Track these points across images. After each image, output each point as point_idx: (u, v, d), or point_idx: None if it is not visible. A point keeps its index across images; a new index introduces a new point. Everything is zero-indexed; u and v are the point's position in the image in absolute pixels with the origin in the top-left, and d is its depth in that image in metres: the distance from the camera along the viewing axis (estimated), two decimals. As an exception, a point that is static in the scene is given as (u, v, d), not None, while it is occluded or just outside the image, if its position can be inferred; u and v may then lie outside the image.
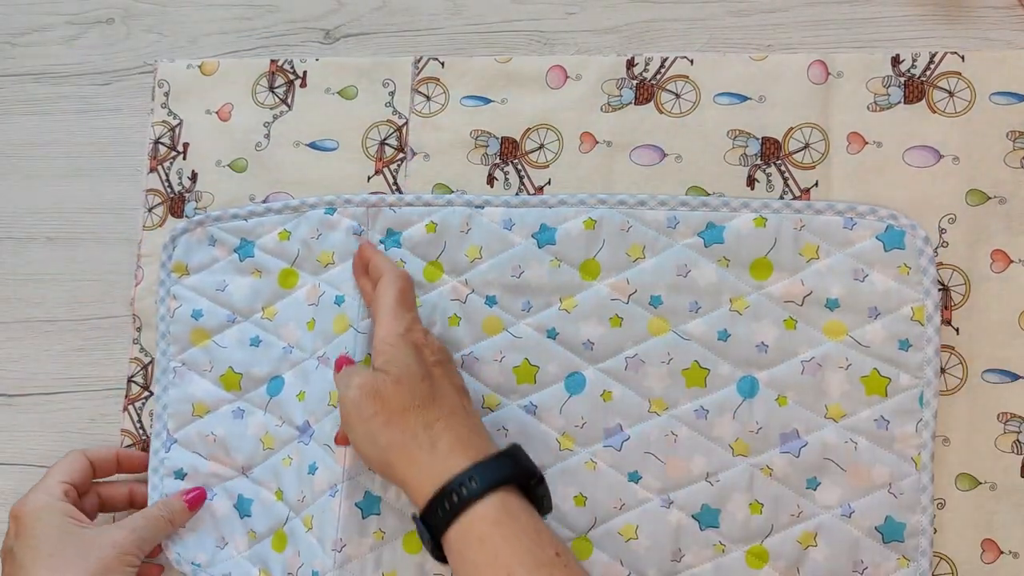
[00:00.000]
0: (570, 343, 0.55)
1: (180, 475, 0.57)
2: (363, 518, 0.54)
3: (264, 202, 0.60)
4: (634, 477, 0.53)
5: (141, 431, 0.60)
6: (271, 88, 0.61)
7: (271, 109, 0.61)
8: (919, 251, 0.52)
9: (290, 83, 0.61)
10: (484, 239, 0.56)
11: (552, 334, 0.55)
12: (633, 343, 0.54)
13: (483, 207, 0.57)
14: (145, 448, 0.59)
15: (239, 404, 0.58)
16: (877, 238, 0.53)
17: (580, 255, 0.55)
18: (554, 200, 0.56)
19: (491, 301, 0.56)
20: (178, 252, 0.60)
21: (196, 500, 0.57)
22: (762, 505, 0.52)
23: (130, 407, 0.60)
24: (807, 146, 0.55)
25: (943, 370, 0.53)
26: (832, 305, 0.53)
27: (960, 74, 0.55)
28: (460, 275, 0.57)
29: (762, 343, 0.53)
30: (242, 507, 0.57)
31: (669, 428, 0.53)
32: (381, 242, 0.58)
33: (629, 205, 0.55)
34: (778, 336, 0.53)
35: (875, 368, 0.52)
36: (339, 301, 0.57)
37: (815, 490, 0.52)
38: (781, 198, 0.55)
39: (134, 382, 0.60)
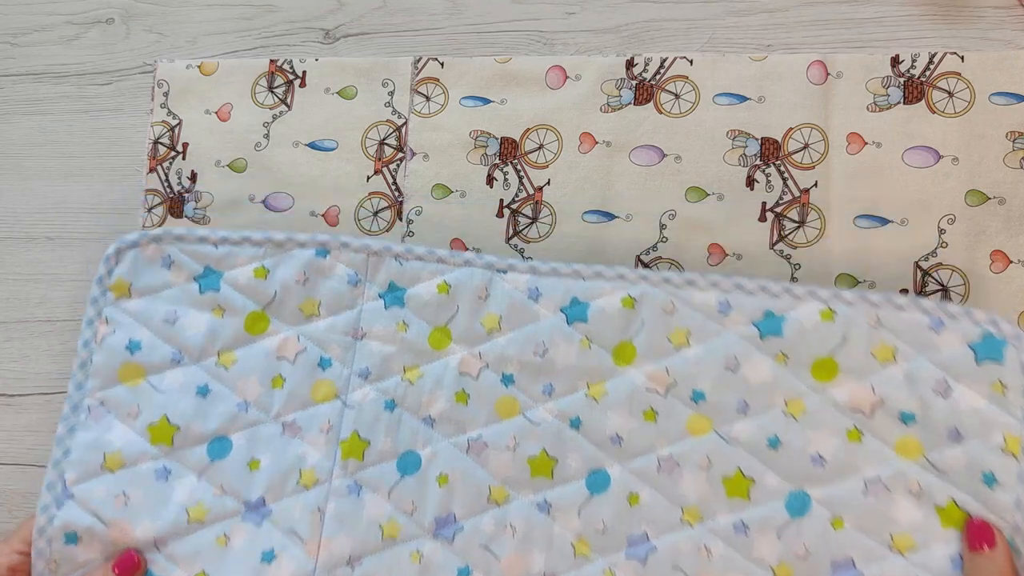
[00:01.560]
0: (595, 436, 0.49)
1: (72, 539, 0.49)
2: None
3: (245, 231, 0.54)
4: None
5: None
6: (270, 88, 0.61)
7: (271, 109, 0.61)
8: (1022, 366, 0.45)
9: (289, 83, 0.61)
10: (505, 308, 0.50)
11: (575, 423, 0.49)
12: (668, 442, 0.48)
13: (506, 271, 0.51)
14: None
15: (165, 462, 0.50)
16: (970, 346, 0.45)
17: (615, 337, 0.49)
18: (589, 272, 0.50)
19: (507, 380, 0.50)
20: (121, 268, 0.52)
21: (127, 566, 0.48)
22: None
23: (130, 407, 0.60)
24: (806, 146, 0.55)
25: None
26: (907, 419, 0.46)
27: (959, 74, 0.55)
28: (473, 346, 0.50)
29: (819, 455, 0.46)
30: None
31: (703, 542, 0.47)
32: (380, 296, 0.51)
33: (675, 284, 0.49)
34: (839, 448, 0.46)
35: (953, 499, 0.45)
36: (324, 364, 0.51)
37: None
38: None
39: (134, 382, 0.60)
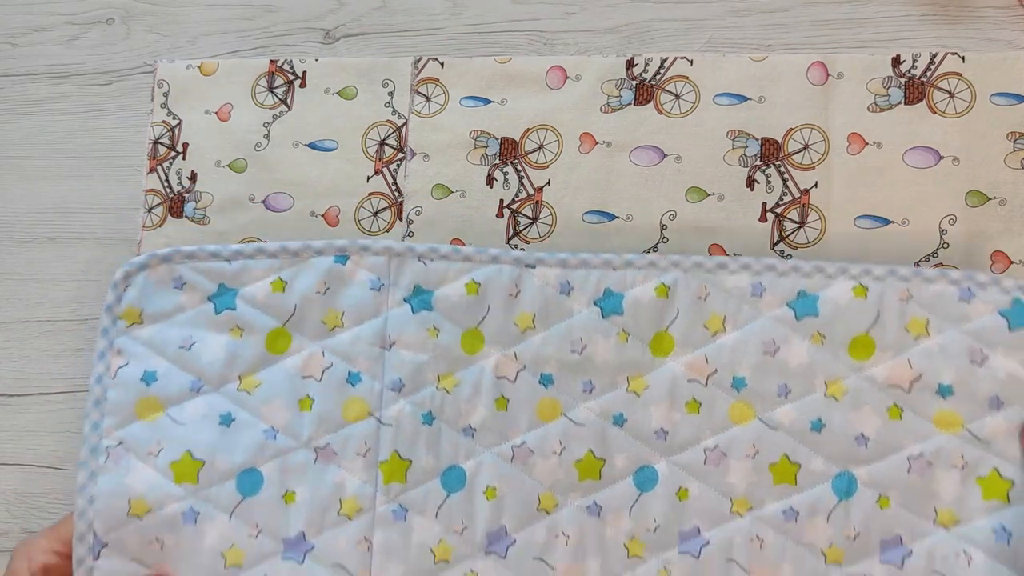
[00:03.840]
0: (640, 431, 0.48)
1: None
2: None
3: (256, 240, 0.53)
4: None
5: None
6: (271, 88, 0.61)
7: (271, 109, 0.61)
8: None
9: (290, 83, 0.61)
10: (537, 305, 0.49)
11: (619, 420, 0.48)
12: (713, 432, 0.48)
13: (535, 266, 0.49)
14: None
15: (192, 503, 0.46)
16: (1001, 313, 0.46)
17: (651, 328, 0.49)
18: (619, 261, 0.50)
19: (546, 380, 0.49)
20: (131, 294, 0.48)
21: None
22: None
23: (130, 407, 0.60)
24: (807, 147, 0.55)
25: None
26: (945, 392, 0.46)
27: (960, 75, 0.54)
28: (508, 347, 0.49)
29: (862, 435, 0.47)
30: None
31: (754, 532, 0.47)
32: (406, 301, 0.49)
33: (707, 268, 0.49)
34: (881, 427, 0.46)
35: (996, 468, 0.45)
36: (353, 380, 0.48)
37: None
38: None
39: (134, 382, 0.60)
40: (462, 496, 0.48)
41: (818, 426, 0.47)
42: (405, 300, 0.49)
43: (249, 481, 0.47)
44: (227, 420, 0.47)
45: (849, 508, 0.46)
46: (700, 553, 0.47)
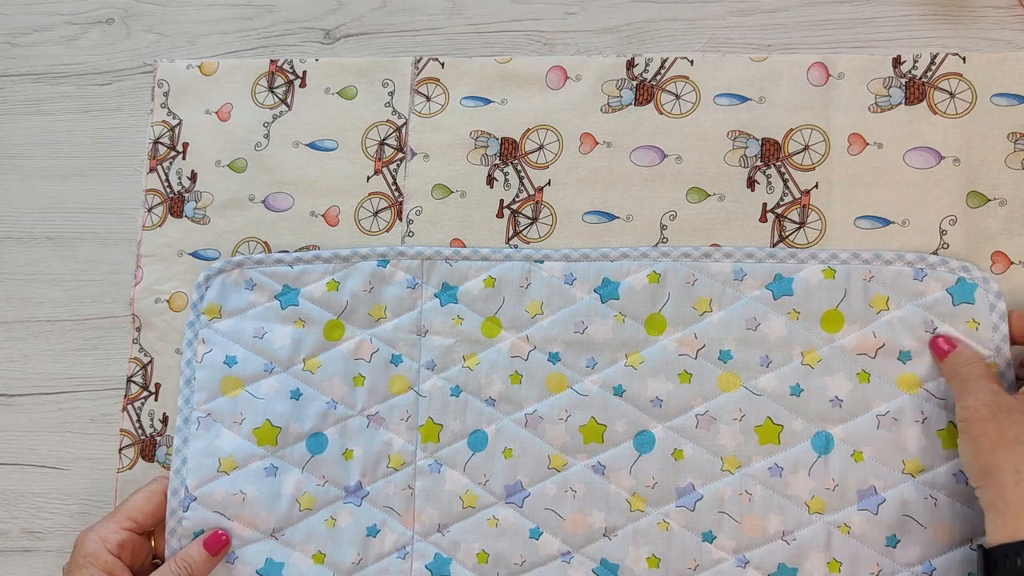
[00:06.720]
0: (638, 400, 0.54)
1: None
2: None
3: (310, 249, 0.58)
4: (708, 537, 0.52)
5: (140, 431, 0.60)
6: (271, 88, 0.61)
7: (271, 109, 0.61)
8: (990, 306, 0.51)
9: (290, 83, 0.61)
10: (545, 294, 0.56)
11: (618, 391, 0.54)
12: (703, 400, 0.53)
13: (543, 261, 0.56)
14: (144, 448, 0.59)
15: (272, 460, 0.56)
16: (947, 291, 0.52)
17: (645, 310, 0.54)
18: (615, 254, 0.55)
19: (554, 358, 0.55)
20: (211, 293, 0.57)
21: (215, 544, 0.54)
22: (840, 564, 0.51)
23: (129, 407, 0.60)
24: (807, 147, 0.55)
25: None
26: (905, 357, 0.52)
27: (961, 75, 0.54)
28: (521, 331, 0.56)
29: (836, 397, 0.52)
30: (270, 571, 0.54)
31: (743, 487, 0.52)
32: (436, 296, 0.56)
33: (693, 257, 0.54)
34: (852, 390, 0.52)
35: (951, 421, 0.51)
36: (396, 361, 0.56)
37: (895, 547, 0.50)
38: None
39: (133, 382, 0.60)
40: (484, 455, 0.55)
41: (797, 391, 0.53)
42: (435, 295, 0.57)
43: (316, 442, 0.56)
44: (296, 395, 0.56)
45: (827, 463, 0.52)
46: (695, 506, 0.53)
